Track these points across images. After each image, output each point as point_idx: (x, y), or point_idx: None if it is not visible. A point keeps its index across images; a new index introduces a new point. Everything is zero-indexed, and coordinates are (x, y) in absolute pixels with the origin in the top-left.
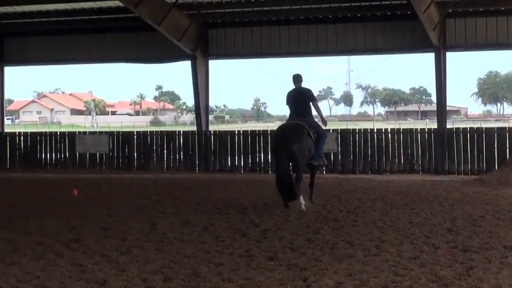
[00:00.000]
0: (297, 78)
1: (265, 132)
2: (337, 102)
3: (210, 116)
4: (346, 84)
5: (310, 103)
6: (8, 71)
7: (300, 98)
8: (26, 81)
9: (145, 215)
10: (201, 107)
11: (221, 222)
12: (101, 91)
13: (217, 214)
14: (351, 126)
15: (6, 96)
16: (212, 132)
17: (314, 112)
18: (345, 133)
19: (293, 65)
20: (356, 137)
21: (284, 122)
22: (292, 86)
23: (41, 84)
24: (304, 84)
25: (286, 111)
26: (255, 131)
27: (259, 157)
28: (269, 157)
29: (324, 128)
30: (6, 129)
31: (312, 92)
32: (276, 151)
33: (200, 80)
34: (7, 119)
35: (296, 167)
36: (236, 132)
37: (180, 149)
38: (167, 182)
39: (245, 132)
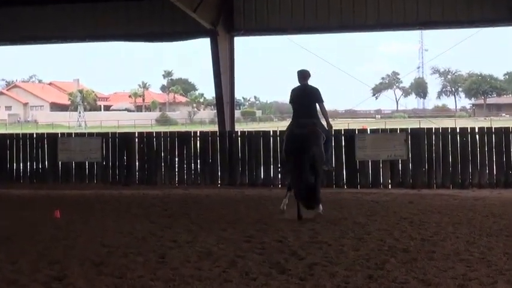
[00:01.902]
0: (304, 75)
1: None
2: (406, 92)
3: (236, 111)
4: (418, 68)
5: (317, 104)
6: None
7: (308, 97)
8: None
9: (151, 245)
10: (224, 100)
11: (252, 253)
12: (90, 79)
13: (247, 243)
14: (425, 124)
15: None
16: (239, 133)
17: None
18: (416, 134)
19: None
20: (432, 139)
21: (294, 121)
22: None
23: (10, 71)
24: (359, 70)
25: (336, 106)
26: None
27: None
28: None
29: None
30: None
31: (320, 92)
32: (294, 153)
33: (223, 64)
34: None
35: (316, 171)
36: (271, 134)
37: (197, 156)
38: (180, 200)
39: (282, 134)
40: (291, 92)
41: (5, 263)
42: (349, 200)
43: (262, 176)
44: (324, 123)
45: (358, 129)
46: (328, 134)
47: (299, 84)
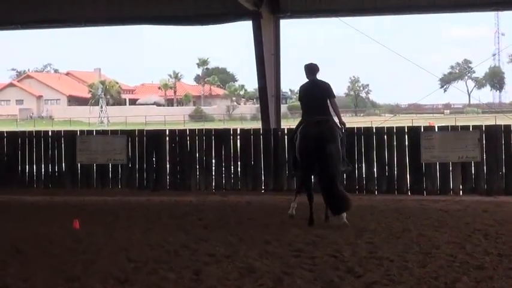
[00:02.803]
0: (312, 69)
1: (368, 130)
2: (479, 83)
3: (282, 106)
4: (494, 56)
5: (328, 100)
6: None
7: (319, 93)
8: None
9: (185, 259)
10: (269, 93)
11: (302, 270)
12: (114, 69)
13: (295, 258)
14: (501, 120)
15: None
16: (286, 131)
17: None
18: (492, 132)
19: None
20: (510, 138)
21: (308, 119)
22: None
23: (22, 59)
24: (425, 58)
25: (397, 99)
26: (353, 129)
27: (360, 169)
28: (374, 170)
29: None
30: None
31: (331, 87)
32: (312, 153)
33: (267, 51)
34: None
35: (335, 171)
36: None
37: (237, 158)
38: (217, 208)
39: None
40: (300, 89)
41: (16, 280)
42: (413, 209)
43: (313, 180)
44: (336, 120)
45: (424, 127)
46: (341, 132)
47: (307, 79)
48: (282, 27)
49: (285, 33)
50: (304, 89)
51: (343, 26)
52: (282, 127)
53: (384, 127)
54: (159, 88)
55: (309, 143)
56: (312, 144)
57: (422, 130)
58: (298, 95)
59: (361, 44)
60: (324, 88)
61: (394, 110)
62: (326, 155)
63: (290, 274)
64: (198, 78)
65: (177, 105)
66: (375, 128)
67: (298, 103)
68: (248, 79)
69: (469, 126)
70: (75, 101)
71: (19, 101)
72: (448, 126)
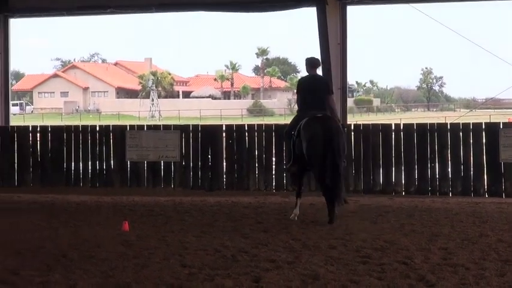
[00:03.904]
0: (313, 63)
1: (441, 127)
2: None
3: (348, 99)
4: None
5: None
6: (17, 25)
7: (318, 88)
8: (44, 43)
9: (243, 265)
10: (334, 86)
11: (370, 278)
12: (166, 59)
13: (362, 265)
14: None
15: (14, 67)
16: (352, 127)
17: None
18: None
19: (488, 14)
20: None
21: (309, 114)
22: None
23: (67, 48)
24: (505, 48)
25: (474, 93)
26: (425, 125)
27: (432, 169)
28: (448, 170)
29: None
30: (13, 122)
31: (330, 83)
32: (326, 145)
33: (332, 40)
34: (13, 104)
35: (340, 165)
36: (393, 128)
37: None
38: (278, 210)
39: (408, 128)
40: (299, 82)
41: (62, 286)
42: (491, 212)
43: (381, 181)
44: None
45: (503, 123)
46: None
47: (307, 73)
48: (349, 15)
49: (351, 21)
50: (303, 83)
51: (415, 13)
52: (348, 122)
53: (459, 123)
54: (215, 80)
55: (320, 137)
56: (322, 137)
57: (501, 127)
58: (296, 88)
59: (434, 33)
60: (324, 84)
61: (470, 104)
62: (337, 148)
63: (357, 282)
64: (257, 69)
65: (234, 98)
66: (450, 124)
67: (367, 97)
68: None
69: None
70: (124, 93)
71: (64, 93)
72: None
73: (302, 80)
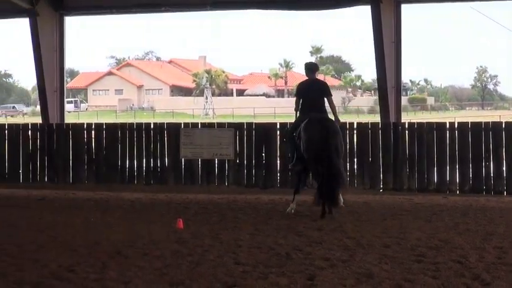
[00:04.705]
0: (312, 68)
1: (496, 125)
2: None
3: (402, 98)
4: None
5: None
6: (71, 23)
7: (318, 91)
8: (99, 41)
9: (297, 263)
10: (388, 84)
11: (424, 276)
12: (220, 57)
13: (417, 263)
14: None
15: (68, 64)
16: (407, 125)
17: None
18: None
19: None
20: None
21: (309, 116)
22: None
23: (122, 47)
24: None
25: None
26: (480, 123)
27: (487, 168)
28: (503, 168)
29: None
30: (68, 119)
31: (328, 86)
32: (323, 146)
33: (387, 38)
34: (68, 101)
35: (339, 164)
36: (447, 126)
37: (353, 154)
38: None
39: (462, 127)
40: (299, 86)
41: (117, 283)
42: None
43: (435, 180)
44: (332, 117)
45: None
46: None
47: (307, 77)
48: (403, 12)
49: (406, 19)
50: (303, 87)
51: (470, 11)
52: (402, 121)
53: None
54: (269, 78)
55: (317, 138)
56: (320, 138)
57: None
58: (296, 91)
59: (489, 32)
60: (323, 87)
61: None
62: (335, 148)
63: (412, 281)
64: None
65: (288, 97)
66: (504, 122)
67: (421, 95)
68: (365, 69)
69: None
70: (178, 91)
71: (118, 91)
72: None
73: (302, 84)
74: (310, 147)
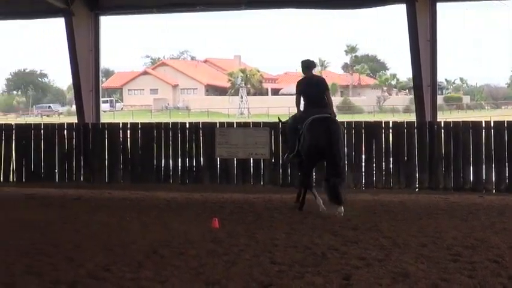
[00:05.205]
0: (309, 65)
1: None
2: None
3: (438, 97)
4: None
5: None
6: (107, 23)
7: (317, 88)
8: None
9: (333, 263)
10: (424, 83)
11: (460, 276)
12: (254, 56)
13: (453, 263)
14: None
15: (104, 64)
16: (442, 124)
17: None
18: None
19: None
20: None
21: (312, 113)
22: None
23: (157, 46)
24: None
25: None
26: None
27: None
28: None
29: None
30: (103, 119)
31: (326, 81)
32: (326, 144)
33: (422, 37)
34: (104, 101)
35: (341, 162)
36: (483, 125)
37: (389, 154)
38: (367, 207)
39: (498, 126)
40: (299, 84)
41: (152, 282)
42: None
43: (471, 179)
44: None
45: None
46: None
47: (304, 75)
48: (439, 11)
49: (441, 18)
50: (303, 84)
51: (506, 10)
52: (438, 120)
53: None
54: None
55: (321, 136)
56: (323, 136)
57: None
58: (296, 89)
59: None
60: (322, 83)
61: None
62: (337, 146)
63: (448, 280)
64: (345, 67)
65: None
66: None
67: (457, 94)
68: (400, 68)
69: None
70: (213, 90)
71: (153, 90)
72: None
73: (302, 81)
74: (314, 146)
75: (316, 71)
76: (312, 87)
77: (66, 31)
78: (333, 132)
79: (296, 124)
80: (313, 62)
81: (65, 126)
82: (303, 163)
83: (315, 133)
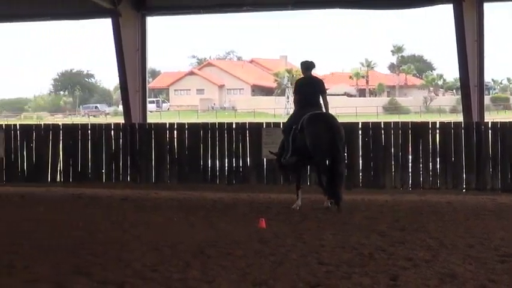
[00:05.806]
0: (308, 66)
1: None
2: None
3: (485, 97)
4: None
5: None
6: (153, 23)
7: (314, 88)
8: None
9: (380, 264)
10: (471, 83)
11: (509, 277)
12: (300, 56)
13: (501, 264)
14: None
15: (150, 64)
16: (490, 125)
17: None
18: None
19: None
20: None
21: (309, 111)
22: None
23: (203, 46)
24: None
25: None
26: None
27: None
28: None
29: None
30: (150, 119)
31: (324, 84)
32: (329, 140)
33: (469, 37)
34: (150, 101)
35: (342, 162)
36: None
37: (435, 154)
38: (414, 208)
39: None
40: (297, 84)
41: (200, 282)
42: None
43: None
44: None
45: None
46: None
47: (303, 75)
48: (486, 11)
49: (488, 17)
50: (301, 84)
51: None
52: (485, 120)
53: None
54: (350, 77)
55: (325, 132)
56: (327, 133)
57: None
58: (294, 88)
59: None
60: (320, 85)
61: None
62: (340, 143)
63: (496, 281)
64: (392, 67)
65: (370, 96)
66: None
67: (504, 94)
68: (447, 68)
69: None
70: (259, 90)
71: (200, 91)
72: None
73: (300, 81)
74: (318, 143)
75: (363, 71)
76: (309, 87)
77: (113, 31)
78: (335, 128)
79: (291, 123)
80: (312, 63)
81: (112, 127)
82: (298, 162)
83: (316, 129)
